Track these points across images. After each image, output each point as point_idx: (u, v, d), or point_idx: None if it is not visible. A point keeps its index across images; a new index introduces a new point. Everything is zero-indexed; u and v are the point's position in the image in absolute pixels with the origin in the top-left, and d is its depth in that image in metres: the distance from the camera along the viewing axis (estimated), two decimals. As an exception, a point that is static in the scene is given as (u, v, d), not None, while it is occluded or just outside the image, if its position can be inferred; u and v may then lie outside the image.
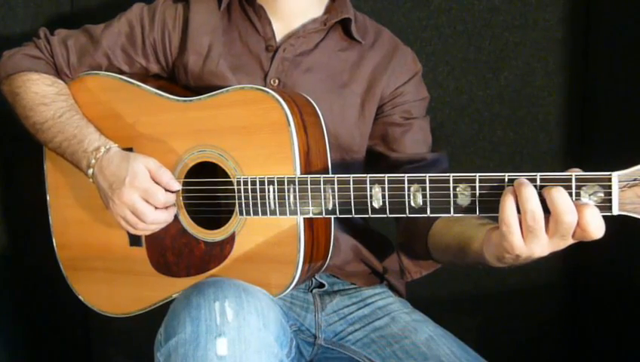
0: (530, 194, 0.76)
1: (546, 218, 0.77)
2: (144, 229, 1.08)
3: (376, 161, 1.21)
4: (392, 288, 1.27)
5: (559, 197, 0.75)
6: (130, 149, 1.14)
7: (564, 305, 1.67)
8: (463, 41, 1.59)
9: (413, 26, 1.59)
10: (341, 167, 1.15)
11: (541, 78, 1.58)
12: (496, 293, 1.67)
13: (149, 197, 1.05)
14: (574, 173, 0.78)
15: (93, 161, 1.10)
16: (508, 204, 0.77)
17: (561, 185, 0.77)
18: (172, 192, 1.07)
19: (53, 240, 1.26)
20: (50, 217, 1.27)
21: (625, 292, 1.48)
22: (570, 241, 0.78)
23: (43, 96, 1.16)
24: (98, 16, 1.26)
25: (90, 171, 1.10)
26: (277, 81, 1.15)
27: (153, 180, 1.06)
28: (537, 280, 1.62)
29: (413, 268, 1.17)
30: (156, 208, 1.06)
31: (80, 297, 1.24)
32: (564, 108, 1.59)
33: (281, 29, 1.18)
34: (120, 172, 1.06)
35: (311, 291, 1.21)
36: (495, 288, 1.67)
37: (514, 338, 1.68)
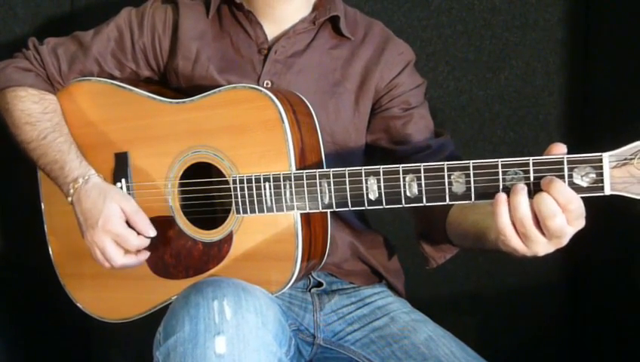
0: (518, 202, 0.79)
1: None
2: (113, 268, 1.10)
3: (382, 157, 1.22)
4: (391, 287, 1.26)
5: (542, 204, 0.78)
6: (125, 153, 1.15)
7: (564, 305, 1.67)
8: (463, 41, 1.59)
9: (413, 26, 1.59)
10: (338, 164, 1.15)
11: (541, 78, 1.58)
12: (496, 293, 1.67)
13: (121, 242, 1.07)
14: (565, 155, 0.79)
15: (71, 191, 1.12)
16: (501, 213, 0.80)
17: (553, 168, 0.79)
18: (147, 238, 1.09)
19: (49, 248, 1.26)
20: (45, 225, 1.26)
21: (625, 292, 1.48)
22: (570, 234, 0.80)
23: (28, 115, 1.17)
24: (98, 16, 1.26)
25: (69, 200, 1.12)
26: (270, 83, 1.16)
27: (128, 224, 1.08)
28: (537, 280, 1.62)
29: (436, 255, 1.18)
30: (126, 252, 1.08)
31: (79, 305, 1.24)
32: (564, 108, 1.59)
33: (272, 31, 1.18)
34: (95, 210, 1.08)
35: (309, 291, 1.21)
36: (495, 288, 1.67)
37: (514, 338, 1.68)
